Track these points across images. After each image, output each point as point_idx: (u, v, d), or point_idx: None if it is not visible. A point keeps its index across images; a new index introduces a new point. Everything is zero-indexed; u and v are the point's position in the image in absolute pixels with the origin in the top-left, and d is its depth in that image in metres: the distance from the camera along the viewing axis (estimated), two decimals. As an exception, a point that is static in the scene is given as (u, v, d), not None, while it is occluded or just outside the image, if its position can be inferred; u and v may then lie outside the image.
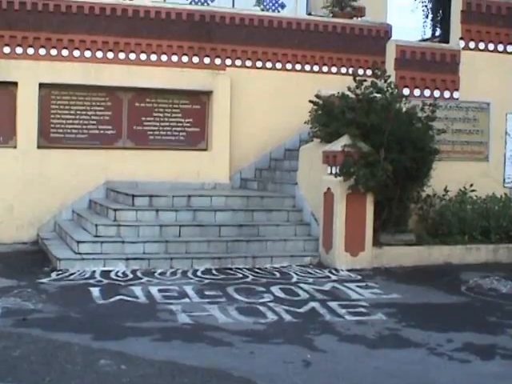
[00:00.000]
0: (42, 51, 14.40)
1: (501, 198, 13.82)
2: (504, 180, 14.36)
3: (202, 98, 15.40)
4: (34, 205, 14.04)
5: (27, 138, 14.19)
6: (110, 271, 11.12)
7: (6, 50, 14.24)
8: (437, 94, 13.81)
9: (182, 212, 12.76)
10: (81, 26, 14.59)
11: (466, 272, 11.94)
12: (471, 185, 13.59)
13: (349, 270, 11.74)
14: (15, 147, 14.19)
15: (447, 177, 13.43)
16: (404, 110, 12.39)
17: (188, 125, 15.33)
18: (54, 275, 10.88)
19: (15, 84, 14.20)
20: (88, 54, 14.62)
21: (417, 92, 13.72)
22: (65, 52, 14.50)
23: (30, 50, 14.33)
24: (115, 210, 12.60)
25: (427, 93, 13.80)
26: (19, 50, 14.31)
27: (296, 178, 13.66)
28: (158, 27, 15.05)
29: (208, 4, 21.33)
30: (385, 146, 11.69)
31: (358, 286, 10.71)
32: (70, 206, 14.25)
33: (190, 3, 18.65)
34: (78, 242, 11.75)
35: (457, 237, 12.91)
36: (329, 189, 12.04)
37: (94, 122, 14.78)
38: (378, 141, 11.76)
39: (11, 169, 13.98)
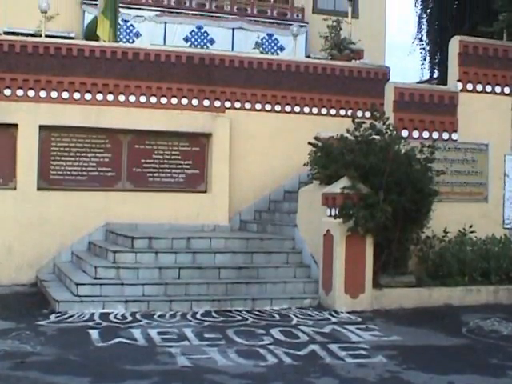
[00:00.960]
0: (43, 93, 14.50)
1: (500, 239, 13.80)
2: (503, 221, 14.35)
3: (201, 140, 15.46)
4: (33, 246, 14.02)
5: (27, 180, 14.21)
6: (109, 313, 11.05)
7: (7, 92, 14.34)
8: (435, 135, 13.86)
9: (181, 254, 12.74)
10: (81, 69, 14.70)
11: (467, 313, 11.89)
12: (471, 226, 13.59)
13: (349, 312, 11.68)
14: (15, 189, 14.21)
15: (447, 218, 13.44)
16: (403, 151, 12.42)
17: (187, 167, 15.36)
18: (52, 317, 10.82)
19: (15, 126, 14.27)
20: (88, 96, 14.71)
21: (415, 134, 13.77)
22: (65, 94, 14.60)
23: (31, 93, 14.42)
24: (114, 251, 12.58)
25: (426, 134, 13.85)
26: (20, 93, 14.39)
27: (295, 220, 13.65)
28: (158, 70, 15.16)
29: (207, 47, 21.64)
30: (384, 187, 11.71)
31: (358, 328, 10.65)
32: (70, 247, 14.23)
33: (190, 46, 18.90)
34: (77, 284, 11.71)
35: (457, 278, 12.87)
36: (328, 230, 12.03)
37: (94, 164, 14.82)
38: (377, 182, 11.78)
39: (11, 210, 13.98)
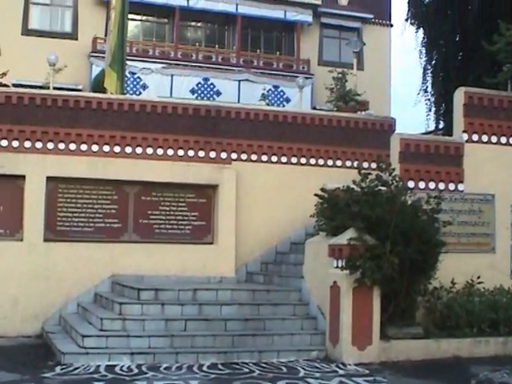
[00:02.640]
0: (50, 145, 14.60)
1: (508, 289, 13.71)
2: (511, 272, 14.29)
3: (207, 191, 15.48)
4: (39, 298, 13.96)
5: (34, 231, 14.22)
6: (115, 366, 10.97)
7: (15, 143, 14.43)
8: (442, 186, 13.87)
9: (187, 306, 12.67)
10: (88, 121, 14.81)
11: (476, 365, 11.76)
12: (478, 277, 13.53)
13: (356, 364, 11.57)
14: (21, 240, 14.21)
15: (454, 269, 13.38)
16: (409, 202, 12.42)
17: (194, 218, 15.36)
18: (58, 369, 10.74)
19: (23, 177, 14.32)
20: (95, 148, 14.79)
21: (422, 184, 13.79)
22: (72, 146, 14.69)
23: (38, 144, 14.52)
24: (121, 303, 12.53)
25: (432, 185, 13.86)
26: (28, 144, 14.48)
27: (302, 272, 13.60)
28: (165, 122, 15.25)
29: (214, 99, 21.83)
30: (390, 238, 11.69)
31: (365, 381, 10.54)
32: (76, 299, 14.15)
33: (196, 98, 19.05)
34: (83, 336, 11.64)
35: (465, 329, 12.75)
36: (335, 282, 11.98)
37: (101, 216, 14.84)
38: (383, 233, 11.77)
39: (17, 262, 13.95)
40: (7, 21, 30.52)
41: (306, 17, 34.21)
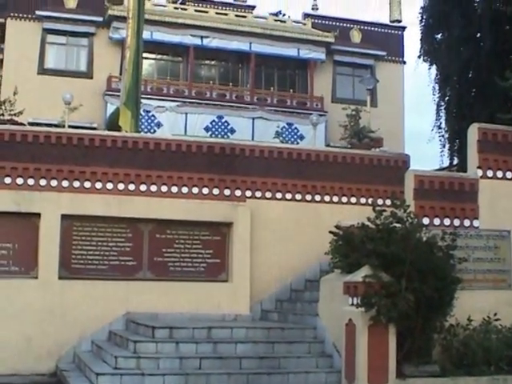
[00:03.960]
0: (65, 183, 14.67)
1: (526, 326, 13.62)
2: (528, 309, 14.19)
3: (222, 229, 15.47)
4: (53, 336, 13.93)
5: (48, 269, 14.25)
6: (130, 404, 10.97)
7: (30, 181, 14.51)
8: (457, 222, 13.82)
9: (202, 344, 12.61)
10: (103, 159, 14.89)
11: (493, 404, 11.68)
12: (495, 314, 13.41)
13: (372, 403, 11.52)
14: (36, 278, 14.24)
15: (470, 306, 13.27)
16: (424, 239, 12.37)
17: (208, 256, 15.33)
18: (72, 409, 10.77)
19: (38, 215, 14.37)
20: (110, 186, 14.86)
21: (436, 221, 13.74)
22: (87, 184, 14.74)
23: (53, 182, 14.58)
24: (135, 341, 12.47)
25: (447, 222, 13.81)
26: (43, 182, 14.56)
27: (317, 309, 13.54)
28: (179, 160, 15.31)
29: (228, 136, 21.92)
30: (406, 275, 11.62)
31: (382, 420, 10.50)
32: (90, 337, 14.12)
33: (211, 136, 19.14)
34: (97, 374, 11.59)
35: (482, 367, 12.59)
36: (350, 320, 11.90)
37: (115, 253, 14.83)
38: (398, 271, 11.71)
39: (31, 299, 13.97)
40: (24, 60, 30.89)
41: (319, 54, 34.43)
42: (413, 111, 60.53)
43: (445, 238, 12.70)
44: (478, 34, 22.40)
